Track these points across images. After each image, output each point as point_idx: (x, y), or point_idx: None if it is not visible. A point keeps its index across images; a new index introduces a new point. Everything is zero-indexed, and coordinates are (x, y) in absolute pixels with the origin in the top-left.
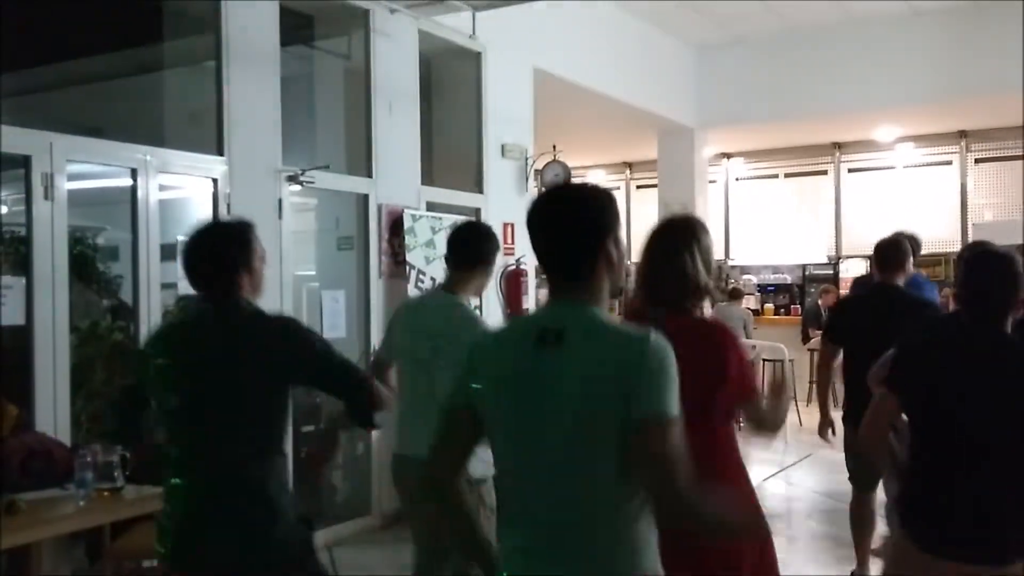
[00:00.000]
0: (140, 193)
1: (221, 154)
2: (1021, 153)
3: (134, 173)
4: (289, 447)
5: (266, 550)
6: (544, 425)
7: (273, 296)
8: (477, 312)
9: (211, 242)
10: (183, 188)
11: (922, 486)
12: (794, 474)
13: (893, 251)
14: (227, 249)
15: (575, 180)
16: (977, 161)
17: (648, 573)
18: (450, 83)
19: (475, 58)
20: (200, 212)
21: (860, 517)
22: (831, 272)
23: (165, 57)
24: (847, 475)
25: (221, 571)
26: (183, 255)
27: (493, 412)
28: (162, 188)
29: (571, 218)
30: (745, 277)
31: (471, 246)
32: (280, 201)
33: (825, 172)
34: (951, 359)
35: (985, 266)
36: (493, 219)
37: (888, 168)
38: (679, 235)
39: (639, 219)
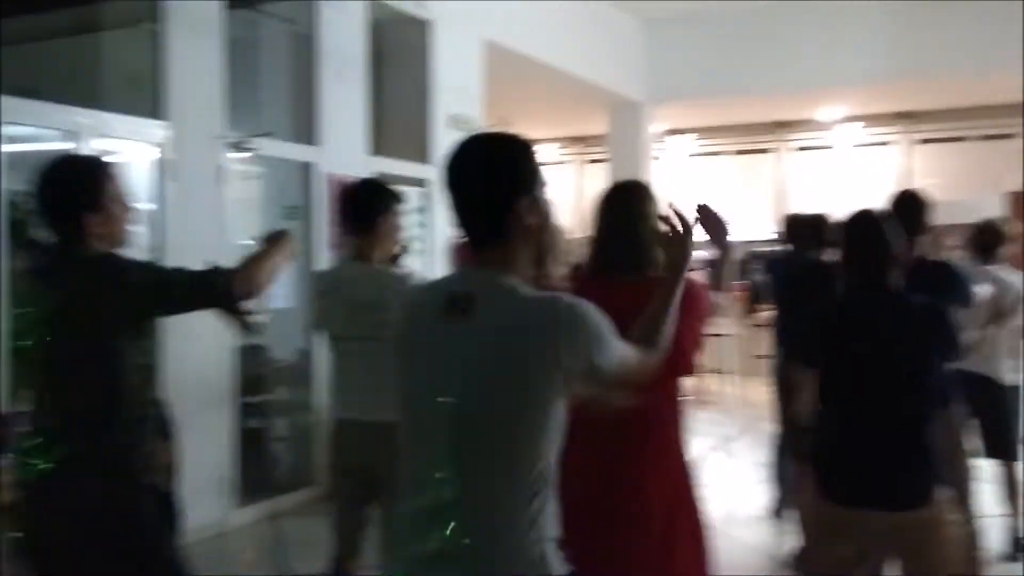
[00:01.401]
0: None
1: (162, 119)
2: (963, 135)
3: (71, 136)
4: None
5: (107, 519)
6: (449, 397)
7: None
8: (408, 276)
9: (53, 181)
10: (123, 153)
11: (829, 441)
12: (735, 446)
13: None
14: (68, 188)
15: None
16: (918, 142)
17: (545, 553)
18: (399, 52)
19: (424, 27)
20: (141, 178)
21: (804, 489)
22: (776, 249)
23: (105, 17)
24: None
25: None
26: (34, 197)
27: (401, 380)
28: (101, 153)
29: (478, 173)
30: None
31: (364, 207)
32: (223, 168)
33: (771, 150)
34: (847, 322)
35: (859, 230)
36: (441, 191)
37: (832, 148)
38: (631, 199)
39: (591, 194)
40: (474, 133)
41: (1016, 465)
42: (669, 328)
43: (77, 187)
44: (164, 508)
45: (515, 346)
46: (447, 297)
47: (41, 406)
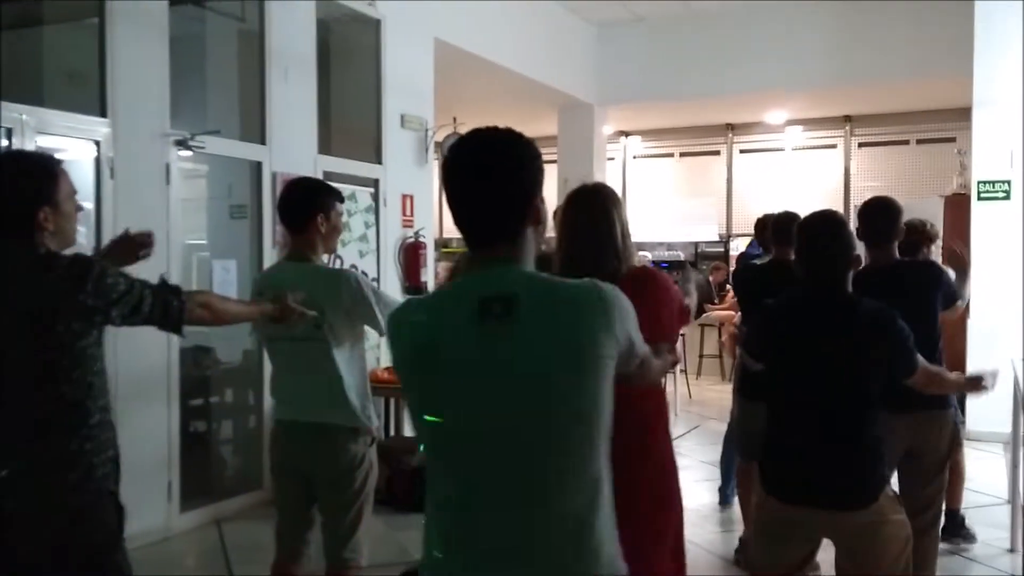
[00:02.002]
0: None
1: (105, 115)
2: (901, 139)
3: (9, 133)
4: (101, 403)
5: (70, 520)
6: (502, 408)
7: (160, 265)
8: (354, 272)
9: (6, 175)
10: (64, 151)
11: (774, 438)
12: (683, 444)
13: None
14: (22, 182)
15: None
16: (860, 145)
17: (615, 552)
18: (349, 51)
19: (375, 26)
20: (82, 176)
21: (749, 485)
22: (722, 250)
23: (45, 12)
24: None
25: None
26: None
27: (425, 397)
28: (46, 151)
29: (506, 165)
30: (641, 254)
31: (304, 204)
32: (168, 166)
33: (718, 152)
34: (796, 323)
35: (818, 231)
36: (391, 190)
37: (777, 150)
38: (598, 203)
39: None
40: (483, 128)
41: (960, 451)
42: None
43: (32, 181)
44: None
45: (573, 337)
46: (479, 302)
47: None
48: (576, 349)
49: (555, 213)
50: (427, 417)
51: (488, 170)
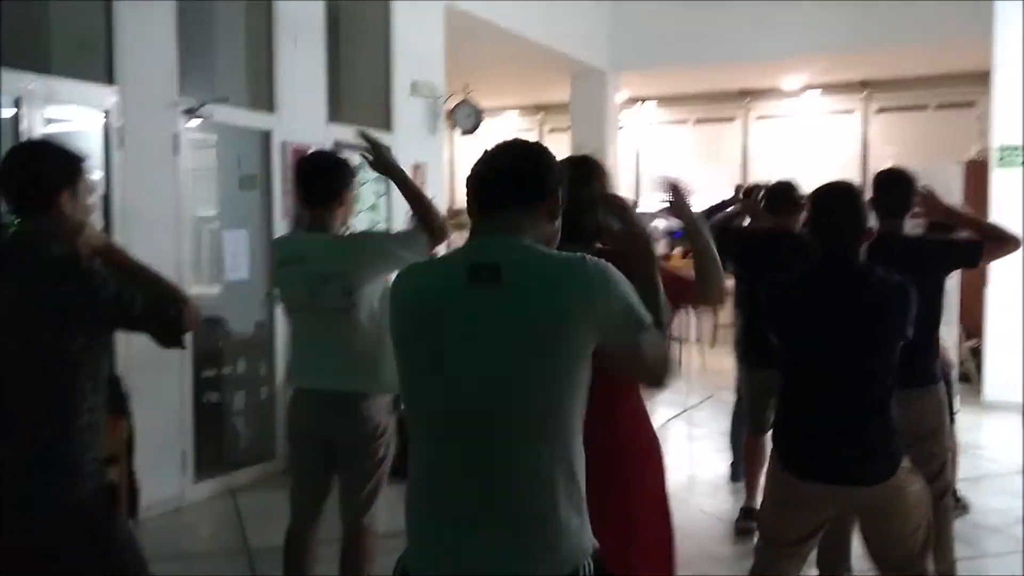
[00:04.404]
0: (24, 124)
1: (113, 84)
2: (920, 104)
3: (18, 102)
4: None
5: (59, 522)
6: (481, 370)
7: (170, 236)
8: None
9: (28, 160)
10: (72, 120)
11: (790, 413)
12: (696, 414)
13: (792, 194)
14: (49, 162)
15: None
16: (878, 111)
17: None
18: (358, 17)
19: None
20: (90, 146)
21: (753, 454)
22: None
23: None
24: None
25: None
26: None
27: (415, 354)
28: (49, 121)
29: (530, 153)
30: (655, 223)
31: (330, 181)
32: (177, 136)
33: (733, 119)
34: (811, 296)
35: (832, 202)
36: (402, 159)
37: (794, 116)
38: (581, 172)
39: None
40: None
41: (953, 429)
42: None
43: (59, 164)
44: (120, 490)
45: (555, 307)
46: (468, 267)
47: None
48: (555, 317)
49: None
50: (413, 374)
51: (516, 151)
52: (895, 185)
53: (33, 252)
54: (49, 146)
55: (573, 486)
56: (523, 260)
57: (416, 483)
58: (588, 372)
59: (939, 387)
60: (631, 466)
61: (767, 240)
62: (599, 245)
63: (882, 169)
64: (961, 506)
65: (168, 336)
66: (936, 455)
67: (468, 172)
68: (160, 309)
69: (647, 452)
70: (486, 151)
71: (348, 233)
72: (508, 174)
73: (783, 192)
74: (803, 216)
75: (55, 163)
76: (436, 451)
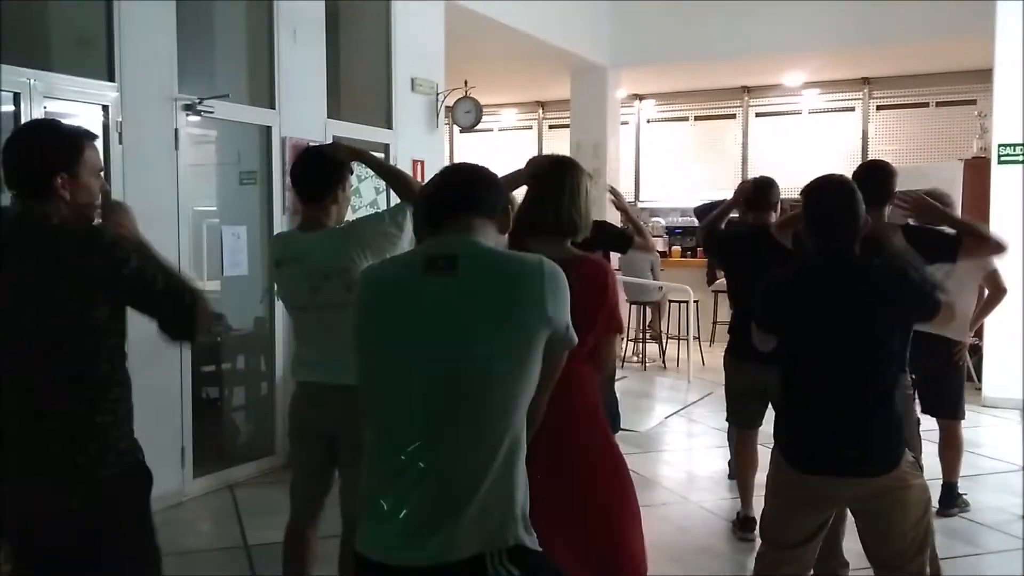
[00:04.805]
0: (24, 120)
1: (112, 80)
2: (920, 101)
3: (17, 98)
4: (123, 374)
5: (92, 499)
6: (432, 351)
7: (170, 231)
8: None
9: (28, 140)
10: (72, 116)
11: (791, 407)
12: (695, 411)
13: (770, 190)
14: (44, 145)
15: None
16: (879, 108)
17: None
18: (358, 12)
19: None
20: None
21: (744, 457)
22: (736, 215)
23: None
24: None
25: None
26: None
27: (371, 339)
28: (49, 115)
29: (480, 180)
30: (654, 220)
31: (324, 176)
32: (177, 131)
33: (734, 116)
34: (810, 291)
35: (826, 196)
36: (402, 155)
37: (794, 113)
38: (558, 174)
39: None
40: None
41: (960, 423)
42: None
43: (54, 147)
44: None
45: (507, 297)
46: (425, 259)
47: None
48: (508, 309)
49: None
50: (367, 359)
51: (467, 171)
52: (873, 175)
53: (50, 229)
54: (47, 128)
55: (509, 469)
56: (479, 253)
57: (367, 464)
58: (538, 364)
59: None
60: (586, 444)
61: (744, 237)
62: (571, 245)
63: (863, 162)
64: (961, 503)
65: (179, 325)
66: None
67: (420, 199)
68: (178, 295)
69: (599, 430)
70: (436, 176)
71: (342, 227)
72: (461, 189)
73: (763, 188)
74: (775, 214)
75: (50, 146)
76: (385, 432)
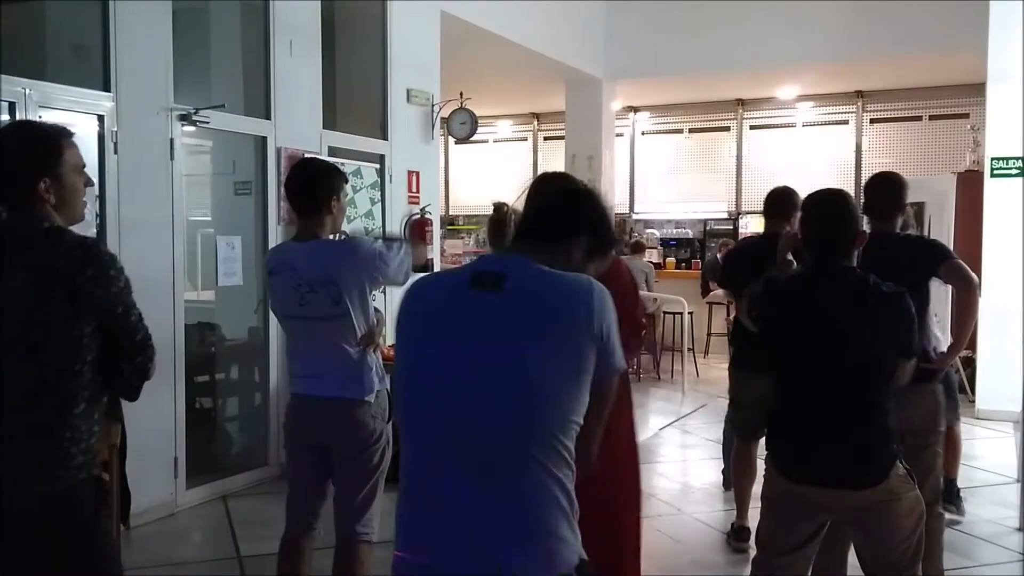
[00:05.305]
0: None
1: (108, 90)
2: (914, 114)
3: (12, 107)
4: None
5: (40, 509)
6: (481, 370)
7: (165, 240)
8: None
9: (8, 142)
10: (68, 126)
11: (783, 418)
12: (690, 423)
13: (784, 201)
14: (22, 150)
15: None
16: (872, 121)
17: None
18: (354, 24)
19: None
20: (85, 151)
21: (742, 467)
22: (731, 227)
23: None
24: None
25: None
26: None
27: (410, 353)
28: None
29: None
30: (648, 231)
31: (318, 188)
32: (172, 141)
33: (728, 128)
34: (805, 301)
35: (823, 209)
36: (397, 166)
37: (788, 126)
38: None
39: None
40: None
41: (958, 425)
42: None
43: (34, 151)
44: (110, 493)
45: (558, 315)
46: (471, 275)
47: None
48: (557, 329)
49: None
50: (407, 371)
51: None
52: (885, 188)
53: (40, 236)
54: (22, 133)
55: (564, 492)
56: (527, 272)
57: (403, 483)
58: (588, 384)
59: (932, 387)
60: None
61: (752, 247)
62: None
63: (874, 173)
64: (958, 505)
65: (132, 382)
66: (923, 458)
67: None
68: (145, 338)
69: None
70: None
71: (337, 239)
72: (555, 212)
73: (781, 197)
74: (790, 225)
75: (28, 151)
76: (426, 450)
